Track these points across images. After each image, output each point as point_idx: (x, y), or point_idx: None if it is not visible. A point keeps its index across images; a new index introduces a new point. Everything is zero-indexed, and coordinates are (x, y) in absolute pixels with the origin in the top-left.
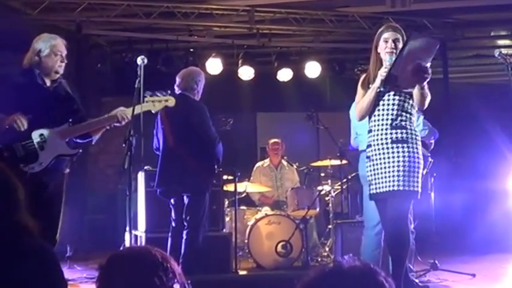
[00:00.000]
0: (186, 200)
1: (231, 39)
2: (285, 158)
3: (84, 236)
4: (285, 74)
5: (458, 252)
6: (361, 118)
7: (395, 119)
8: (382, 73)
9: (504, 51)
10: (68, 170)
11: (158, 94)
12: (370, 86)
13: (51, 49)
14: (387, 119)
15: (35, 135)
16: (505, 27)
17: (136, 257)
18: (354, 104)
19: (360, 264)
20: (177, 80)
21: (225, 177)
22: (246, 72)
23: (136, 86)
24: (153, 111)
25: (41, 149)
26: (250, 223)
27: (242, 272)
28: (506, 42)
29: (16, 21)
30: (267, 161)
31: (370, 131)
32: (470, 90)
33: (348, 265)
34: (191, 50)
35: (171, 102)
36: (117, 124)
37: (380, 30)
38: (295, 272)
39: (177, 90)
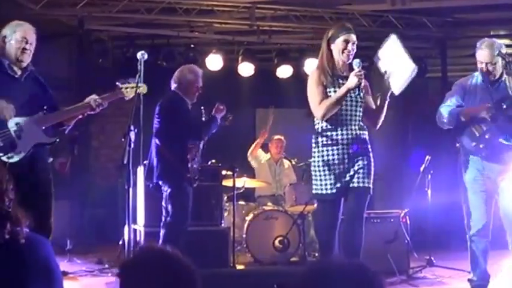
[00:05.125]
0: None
1: (231, 35)
2: (284, 154)
3: (85, 229)
4: (284, 71)
5: (454, 248)
6: (327, 118)
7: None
8: (356, 78)
9: (503, 50)
10: (51, 159)
11: (130, 81)
12: (325, 83)
13: (14, 36)
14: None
15: (11, 124)
16: (504, 27)
17: (157, 267)
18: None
19: (349, 261)
20: None
21: (223, 172)
22: (246, 69)
23: (136, 81)
24: (125, 99)
25: (18, 137)
26: (248, 218)
27: (240, 267)
28: (506, 41)
29: (19, 16)
30: (267, 155)
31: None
32: None
33: (337, 262)
34: (192, 46)
35: (143, 89)
36: (91, 112)
37: (336, 29)
38: (292, 267)
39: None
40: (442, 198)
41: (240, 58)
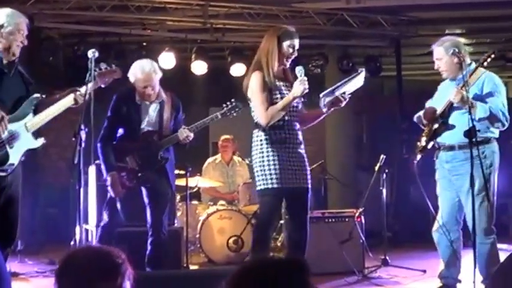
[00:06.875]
0: None
1: (184, 33)
2: (237, 153)
3: (36, 229)
4: (238, 69)
5: (409, 248)
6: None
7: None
8: (302, 86)
9: (461, 48)
10: (23, 158)
11: (106, 67)
12: (270, 86)
13: (15, 27)
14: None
15: (4, 133)
16: (459, 25)
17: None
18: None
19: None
20: None
21: (176, 171)
22: (199, 67)
23: (86, 79)
24: (102, 86)
25: (10, 147)
26: (201, 218)
27: (193, 267)
28: (461, 40)
29: None
30: (218, 157)
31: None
32: (423, 87)
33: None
34: (144, 44)
35: (118, 74)
36: (74, 106)
37: (285, 31)
38: None
39: None
40: (398, 197)
41: (193, 56)
